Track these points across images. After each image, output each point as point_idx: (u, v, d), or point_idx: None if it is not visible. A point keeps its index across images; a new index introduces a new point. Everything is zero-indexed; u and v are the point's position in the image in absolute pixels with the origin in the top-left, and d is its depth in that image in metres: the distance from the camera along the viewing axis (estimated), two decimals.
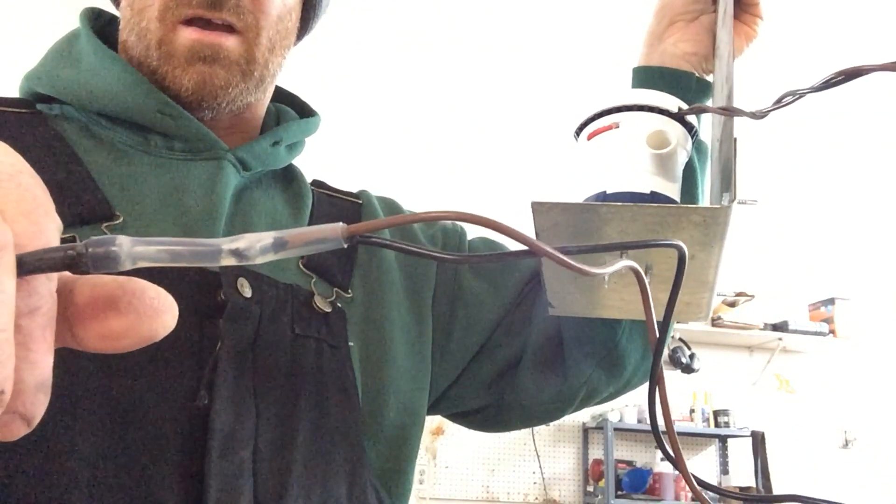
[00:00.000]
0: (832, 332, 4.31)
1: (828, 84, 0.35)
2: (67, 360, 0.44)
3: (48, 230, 0.22)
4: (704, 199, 0.64)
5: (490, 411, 0.75)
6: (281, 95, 0.74)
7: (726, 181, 0.43)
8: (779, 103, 0.38)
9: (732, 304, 4.29)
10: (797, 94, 0.37)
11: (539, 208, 0.46)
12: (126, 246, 0.22)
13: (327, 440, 0.54)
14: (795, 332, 4.29)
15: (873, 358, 4.57)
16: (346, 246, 0.25)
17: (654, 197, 0.49)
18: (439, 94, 2.75)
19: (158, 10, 0.57)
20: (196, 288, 0.52)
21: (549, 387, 0.72)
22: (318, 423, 0.54)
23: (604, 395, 0.73)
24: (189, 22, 0.57)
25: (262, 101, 0.67)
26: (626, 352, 0.69)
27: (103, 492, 0.44)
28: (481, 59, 2.51)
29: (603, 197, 0.51)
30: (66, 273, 0.22)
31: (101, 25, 0.66)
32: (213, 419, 0.48)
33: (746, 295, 4.29)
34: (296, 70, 0.67)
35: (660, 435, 0.40)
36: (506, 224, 0.26)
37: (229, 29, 0.58)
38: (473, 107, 2.81)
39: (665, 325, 0.38)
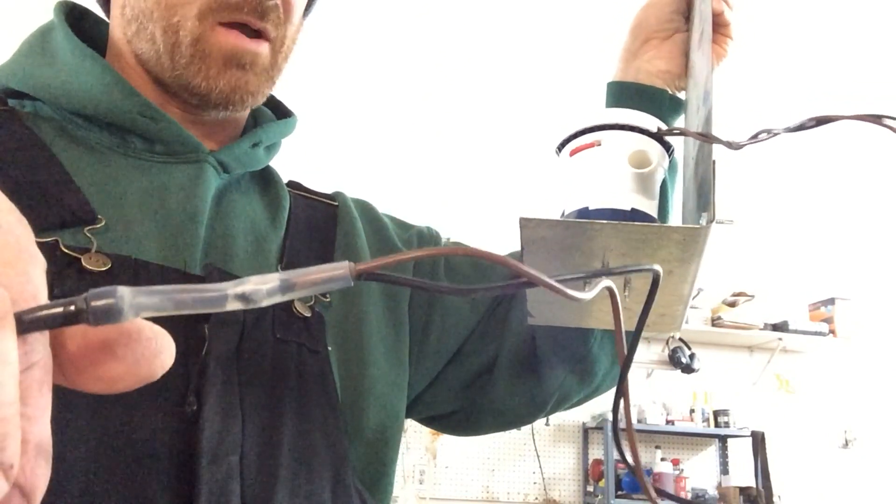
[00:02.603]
0: (832, 332, 4.31)
1: (801, 127, 0.37)
2: None
3: (35, 277, 0.21)
4: (673, 210, 0.66)
5: (462, 415, 0.76)
6: None
7: (704, 201, 0.44)
8: (755, 139, 0.39)
9: (732, 304, 4.30)
10: (771, 133, 0.38)
11: (526, 223, 0.47)
12: (128, 297, 0.21)
13: (311, 443, 0.55)
14: (795, 332, 4.29)
15: (873, 358, 4.57)
16: (353, 284, 0.24)
17: (634, 213, 0.50)
18: (418, 94, 2.76)
19: (199, 9, 0.56)
20: None
21: (523, 392, 0.72)
22: (301, 427, 0.54)
23: (574, 401, 0.75)
24: (228, 23, 0.57)
25: None
26: (598, 359, 0.71)
27: (95, 498, 0.44)
28: (463, 59, 2.52)
29: (585, 212, 0.52)
30: None
31: (75, 19, 0.65)
32: (203, 425, 0.48)
33: (746, 295, 4.30)
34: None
35: (620, 442, 0.42)
36: (499, 255, 0.26)
37: (263, 35, 0.58)
38: (453, 106, 2.82)
39: (634, 341, 0.39)
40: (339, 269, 0.24)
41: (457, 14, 2.27)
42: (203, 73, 0.57)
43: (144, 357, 0.21)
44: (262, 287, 0.23)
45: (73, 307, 0.20)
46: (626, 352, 0.36)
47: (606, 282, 0.33)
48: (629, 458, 0.38)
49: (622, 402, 0.39)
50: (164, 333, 0.22)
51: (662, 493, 0.42)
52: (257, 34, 0.58)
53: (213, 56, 0.57)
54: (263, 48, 0.58)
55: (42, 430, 0.19)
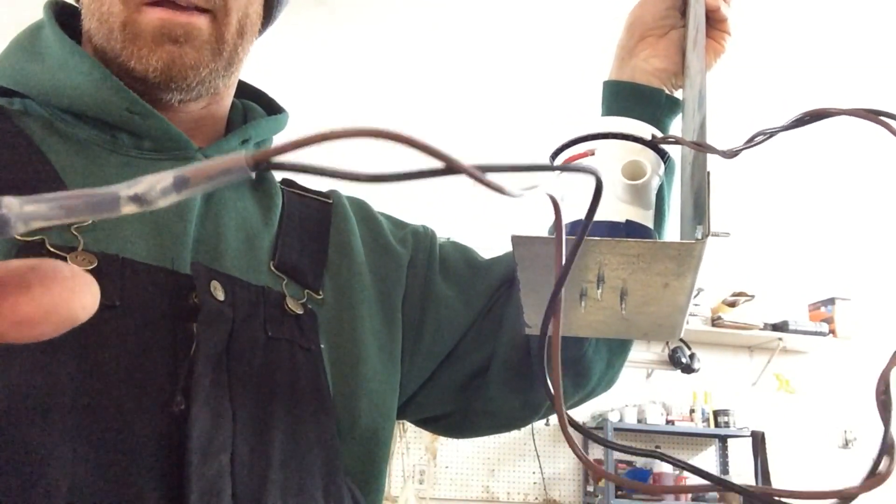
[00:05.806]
0: (832, 332, 4.31)
1: (796, 123, 0.35)
2: (44, 366, 0.45)
3: None
4: (670, 211, 0.65)
5: (457, 417, 0.75)
6: (247, 92, 0.73)
7: (699, 214, 0.43)
8: (750, 142, 0.38)
9: (732, 304, 4.29)
10: (768, 134, 0.37)
11: (519, 241, 0.46)
12: (15, 207, 0.20)
13: (302, 442, 0.54)
14: (795, 332, 4.28)
15: (873, 358, 4.56)
16: (253, 175, 0.22)
17: (629, 226, 0.49)
18: (414, 91, 2.75)
19: None
20: (168, 290, 0.51)
21: (517, 395, 0.72)
22: (293, 426, 0.54)
23: (568, 404, 0.74)
24: (154, 3, 0.56)
25: (229, 92, 0.66)
26: (592, 363, 0.70)
27: (83, 498, 0.44)
28: (461, 58, 2.51)
29: (579, 224, 0.51)
30: None
31: (66, 17, 0.64)
32: (191, 425, 0.47)
33: (746, 295, 4.29)
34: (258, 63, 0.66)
35: (545, 371, 0.41)
36: (422, 140, 0.24)
37: (198, 9, 0.57)
38: (449, 104, 2.81)
39: (571, 257, 0.38)
40: (234, 160, 0.22)
41: (455, 13, 2.26)
42: (136, 55, 0.56)
43: (63, 297, 0.20)
44: (157, 185, 0.21)
45: None
46: (563, 261, 0.35)
47: (543, 187, 0.31)
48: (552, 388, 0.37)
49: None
50: (85, 274, 0.20)
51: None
52: (188, 8, 0.56)
53: (142, 36, 0.56)
54: (198, 20, 0.56)
55: None
